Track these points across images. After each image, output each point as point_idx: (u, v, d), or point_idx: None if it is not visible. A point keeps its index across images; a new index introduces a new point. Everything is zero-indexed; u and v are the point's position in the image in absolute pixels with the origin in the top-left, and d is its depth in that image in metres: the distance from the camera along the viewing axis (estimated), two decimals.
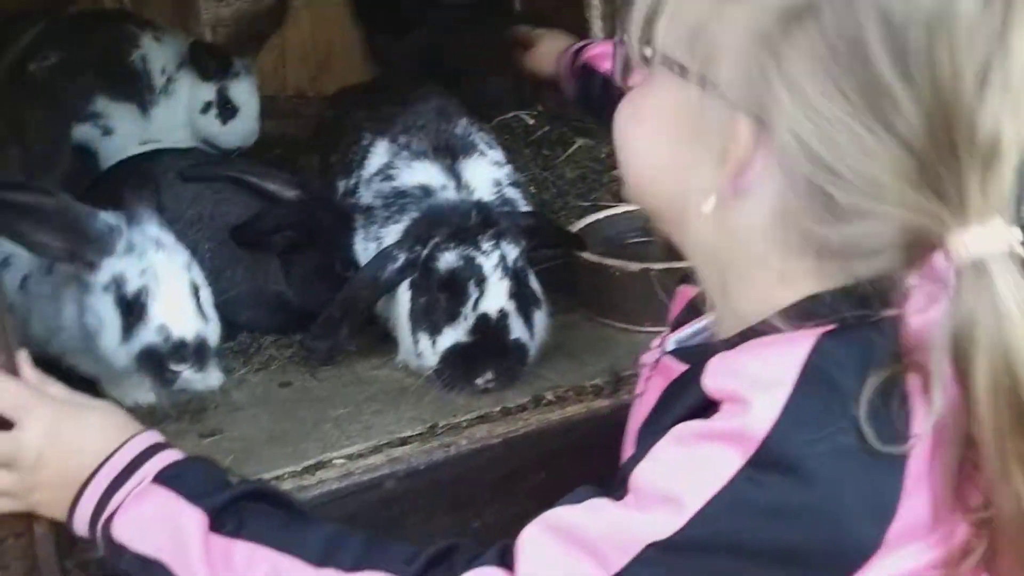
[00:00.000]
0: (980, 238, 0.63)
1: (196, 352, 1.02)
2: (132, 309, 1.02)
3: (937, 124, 0.63)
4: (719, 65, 0.67)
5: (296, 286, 1.28)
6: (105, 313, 1.03)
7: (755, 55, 0.66)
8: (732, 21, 0.66)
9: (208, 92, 1.72)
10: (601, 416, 1.14)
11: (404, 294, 1.16)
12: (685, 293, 0.91)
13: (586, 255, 1.31)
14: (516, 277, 1.14)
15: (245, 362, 1.23)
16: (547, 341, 1.20)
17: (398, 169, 1.23)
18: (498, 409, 1.12)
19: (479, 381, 1.11)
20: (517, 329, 1.12)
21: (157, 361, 1.02)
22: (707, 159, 0.68)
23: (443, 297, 1.11)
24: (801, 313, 0.68)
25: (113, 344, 1.03)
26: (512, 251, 1.14)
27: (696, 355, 0.77)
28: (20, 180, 1.15)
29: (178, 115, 1.74)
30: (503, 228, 1.15)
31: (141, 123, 1.69)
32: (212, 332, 1.07)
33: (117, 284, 1.03)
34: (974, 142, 0.63)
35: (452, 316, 1.11)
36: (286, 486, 1.01)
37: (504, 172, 1.29)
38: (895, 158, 0.64)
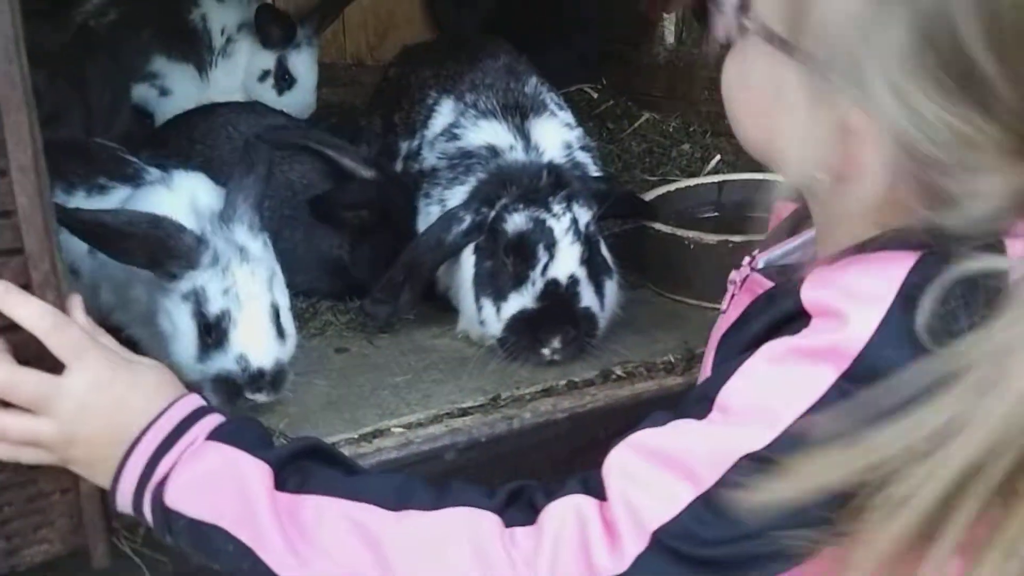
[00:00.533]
0: None
1: (273, 380, 0.97)
2: (211, 332, 0.96)
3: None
4: (828, 45, 0.66)
5: (361, 263, 1.23)
6: (181, 323, 0.97)
7: (858, 42, 0.65)
8: (838, 8, 0.66)
9: (267, 60, 1.68)
10: (673, 394, 1.08)
11: (468, 258, 1.10)
12: (780, 211, 0.91)
13: (659, 225, 1.24)
14: (588, 242, 1.07)
15: (301, 327, 1.17)
16: (617, 314, 1.14)
17: (464, 128, 1.18)
18: (564, 383, 1.06)
19: (545, 351, 1.05)
20: (587, 297, 1.06)
21: (233, 388, 0.97)
22: (818, 133, 0.68)
23: (510, 261, 1.06)
24: (905, 236, 0.68)
25: (187, 358, 0.97)
26: (584, 215, 1.08)
27: (785, 273, 0.78)
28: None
29: (236, 78, 1.70)
30: (575, 190, 1.09)
31: (199, 85, 1.66)
32: (290, 350, 1.01)
33: (198, 299, 0.96)
34: None
35: (519, 281, 1.05)
36: (346, 452, 0.97)
37: (575, 135, 1.23)
38: (998, 141, 0.64)
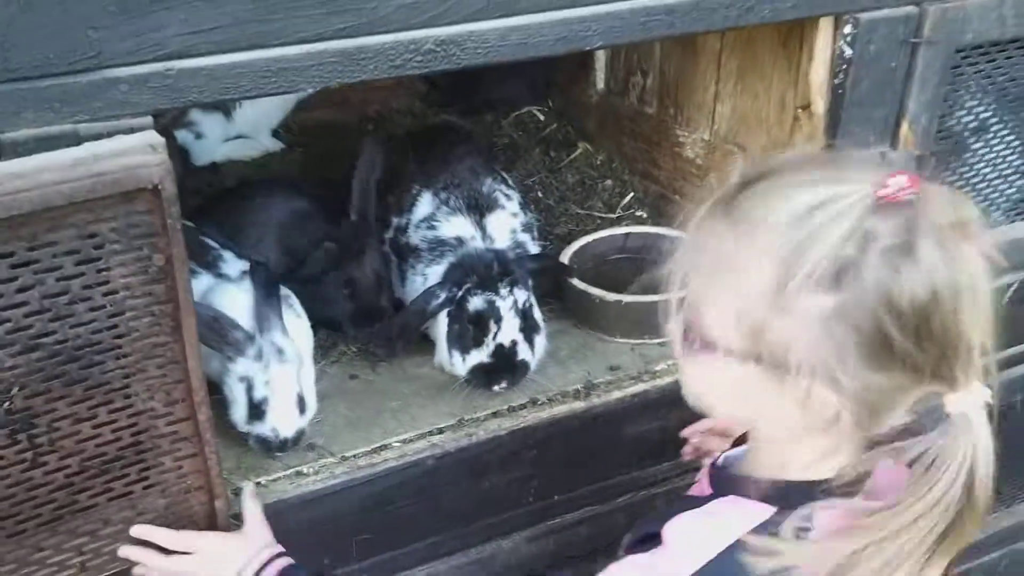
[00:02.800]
0: (965, 398, 0.91)
1: (294, 441, 1.44)
2: (255, 409, 1.41)
3: (939, 354, 0.90)
4: (785, 353, 0.90)
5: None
6: (238, 396, 1.42)
7: (811, 348, 0.89)
8: (784, 326, 0.89)
9: None
10: (577, 413, 1.60)
11: (443, 319, 1.59)
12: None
13: (575, 282, 1.74)
14: (524, 315, 1.57)
15: (323, 355, 1.68)
16: (543, 355, 1.65)
17: (439, 221, 1.65)
18: (506, 408, 1.57)
19: (495, 388, 1.57)
20: (523, 352, 1.57)
21: (266, 446, 1.44)
22: (794, 409, 0.93)
23: (472, 328, 1.55)
24: (773, 491, 0.96)
25: (239, 419, 1.43)
26: (522, 294, 1.57)
27: (721, 481, 1.06)
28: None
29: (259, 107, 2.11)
30: (517, 276, 1.57)
31: (226, 125, 2.08)
32: (308, 417, 1.46)
33: (248, 384, 1.41)
34: (959, 353, 0.90)
35: (478, 343, 1.55)
36: (360, 462, 1.49)
37: (519, 221, 1.71)
38: (912, 379, 0.91)
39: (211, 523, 1.32)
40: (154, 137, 1.06)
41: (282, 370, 1.43)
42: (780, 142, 1.68)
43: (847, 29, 1.44)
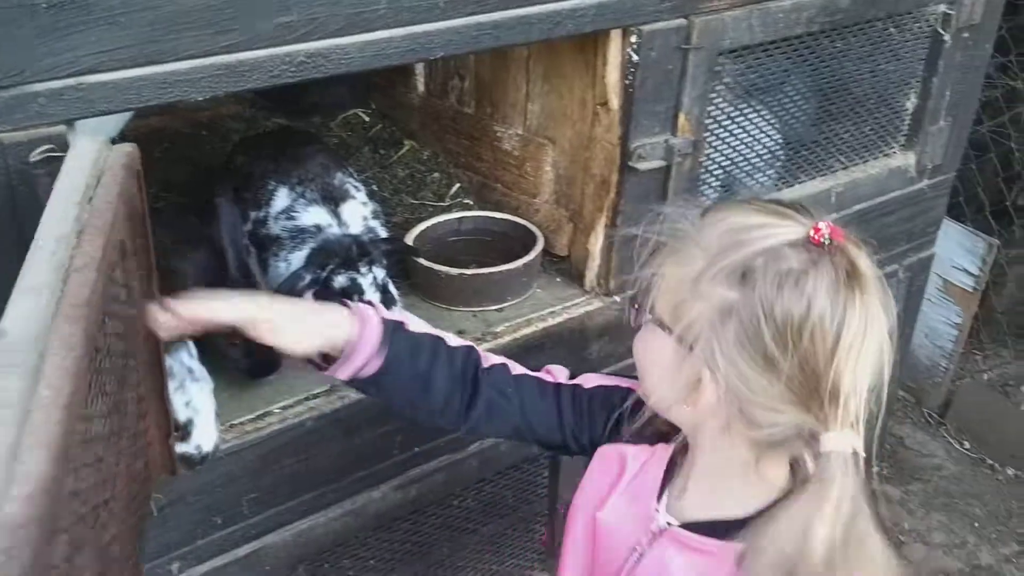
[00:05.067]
0: (834, 440, 1.04)
1: (213, 453, 1.54)
2: (181, 432, 1.48)
3: (804, 378, 1.03)
4: (692, 333, 1.08)
5: None
6: None
7: (708, 331, 1.06)
8: (696, 309, 1.07)
9: None
10: None
11: (309, 299, 1.79)
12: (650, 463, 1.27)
13: (421, 260, 1.98)
14: (383, 289, 1.80)
15: None
16: None
17: (298, 212, 1.85)
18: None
19: None
20: None
21: (189, 463, 1.49)
22: (683, 385, 1.10)
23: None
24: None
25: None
26: (380, 272, 1.80)
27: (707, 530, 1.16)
28: None
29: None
30: (373, 256, 1.80)
31: None
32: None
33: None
34: (827, 389, 1.03)
35: None
36: (247, 428, 1.66)
37: (368, 209, 1.93)
38: (783, 393, 1.05)
39: None
40: None
41: (199, 388, 1.53)
42: (583, 134, 2.00)
43: (633, 39, 1.78)
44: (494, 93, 2.23)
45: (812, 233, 1.06)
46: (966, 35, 2.34)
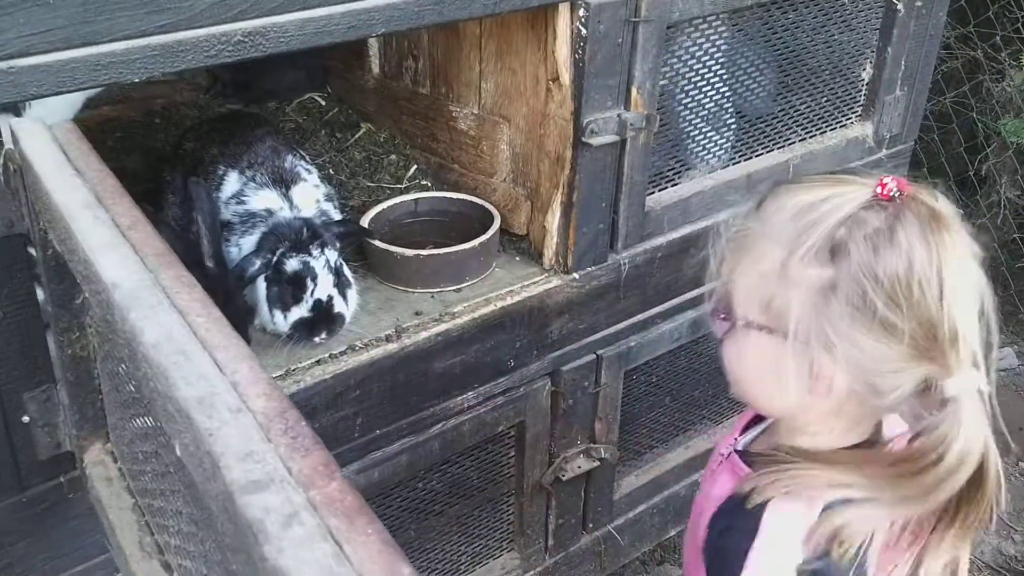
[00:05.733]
0: (960, 382, 1.03)
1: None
2: None
3: (923, 331, 1.04)
4: (796, 324, 1.06)
5: None
6: None
7: (814, 316, 1.05)
8: (793, 298, 1.06)
9: None
10: (391, 354, 1.83)
11: (261, 284, 1.78)
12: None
13: (376, 242, 1.97)
14: (336, 272, 1.79)
15: None
16: (356, 308, 1.87)
17: (248, 196, 1.82)
18: (328, 355, 1.78)
19: (316, 339, 1.77)
20: (339, 305, 1.78)
21: None
22: (803, 379, 1.08)
23: (291, 288, 1.75)
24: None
25: None
26: (333, 254, 1.79)
27: (755, 460, 1.19)
28: None
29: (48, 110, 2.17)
30: (325, 239, 1.79)
31: None
32: None
33: None
34: (945, 335, 1.04)
35: (297, 300, 1.74)
36: None
37: (321, 192, 1.91)
38: (905, 353, 1.05)
39: None
40: None
41: None
42: (537, 110, 1.99)
43: (581, 12, 1.77)
44: (448, 72, 2.22)
45: (880, 190, 1.06)
46: (919, 3, 2.35)
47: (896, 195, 1.06)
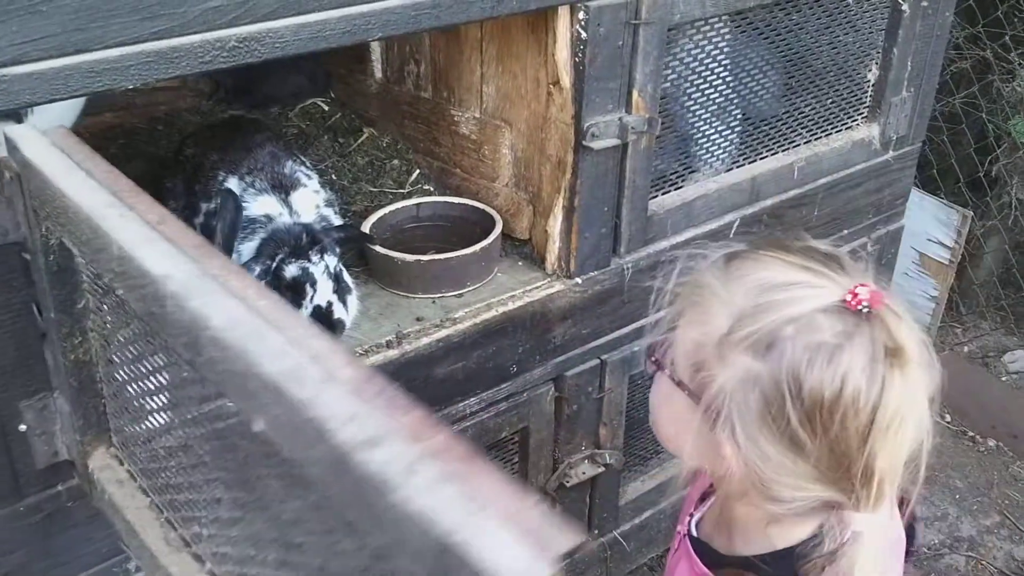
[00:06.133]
0: (867, 519, 1.01)
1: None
2: None
3: (835, 461, 0.97)
4: (713, 401, 1.00)
5: None
6: None
7: (730, 403, 0.98)
8: (719, 376, 0.99)
9: None
10: (392, 360, 1.83)
11: None
12: (704, 478, 1.24)
13: (377, 248, 1.96)
14: (336, 278, 1.78)
15: None
16: (356, 314, 1.86)
17: (247, 202, 1.82)
18: None
19: None
20: (339, 311, 1.77)
21: None
22: (704, 449, 1.04)
23: (290, 295, 1.74)
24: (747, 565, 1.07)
25: None
26: (332, 260, 1.78)
27: (707, 555, 1.15)
28: None
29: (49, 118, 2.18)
30: (325, 244, 1.78)
31: None
32: None
33: None
34: (859, 472, 0.96)
35: (296, 306, 1.74)
36: None
37: (321, 197, 1.91)
38: (809, 473, 0.98)
39: None
40: None
41: None
42: (538, 114, 1.98)
43: (581, 15, 1.75)
44: (450, 77, 2.21)
45: (849, 298, 0.96)
46: (925, 3, 2.33)
47: (864, 310, 0.96)
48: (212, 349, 0.85)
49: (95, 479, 1.47)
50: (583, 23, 1.76)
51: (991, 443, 3.34)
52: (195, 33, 1.34)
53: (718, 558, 1.13)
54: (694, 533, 1.19)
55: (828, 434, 0.95)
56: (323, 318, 1.75)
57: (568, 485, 2.24)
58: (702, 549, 1.17)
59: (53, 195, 1.16)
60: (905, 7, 2.29)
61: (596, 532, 2.43)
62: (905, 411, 0.96)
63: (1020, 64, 3.56)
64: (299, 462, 0.75)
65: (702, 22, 1.97)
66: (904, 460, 0.99)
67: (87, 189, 1.12)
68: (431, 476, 0.63)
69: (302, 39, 1.43)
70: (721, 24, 2.02)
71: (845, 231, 2.55)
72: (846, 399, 0.94)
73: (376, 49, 2.39)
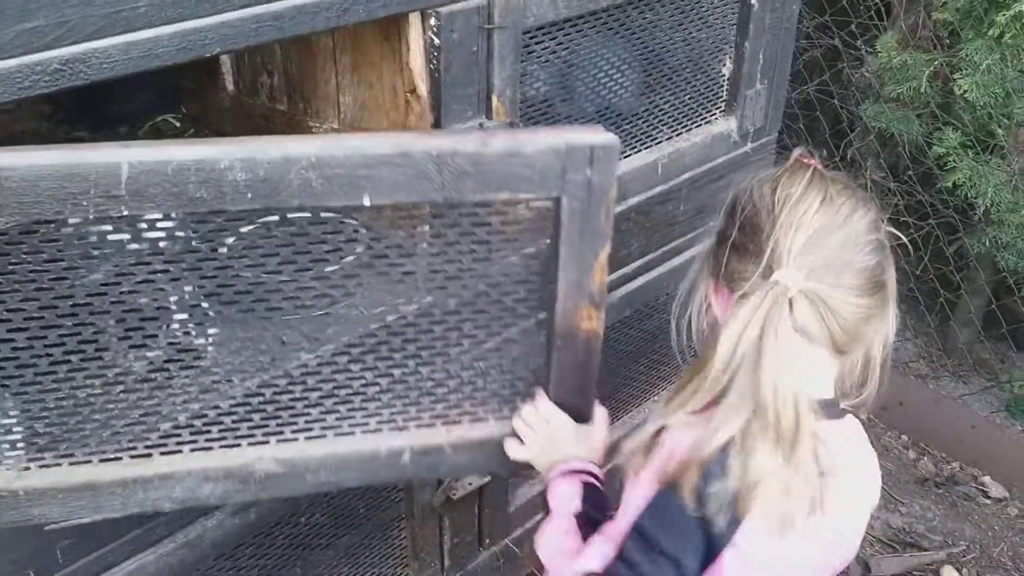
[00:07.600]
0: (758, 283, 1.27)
1: None
2: None
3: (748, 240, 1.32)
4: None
5: None
6: None
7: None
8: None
9: None
10: None
11: None
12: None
13: None
14: None
15: None
16: None
17: None
18: None
19: None
20: None
21: None
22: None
23: None
24: None
25: None
26: None
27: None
28: None
29: None
30: None
31: None
32: None
33: None
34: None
35: None
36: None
37: None
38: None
39: None
40: None
41: None
42: (398, 123, 1.93)
43: (432, 22, 1.71)
44: (305, 88, 2.14)
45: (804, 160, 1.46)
46: None
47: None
48: None
49: None
50: (435, 29, 1.72)
51: (861, 416, 3.48)
52: (11, 57, 1.24)
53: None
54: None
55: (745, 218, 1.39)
56: None
57: (455, 498, 2.20)
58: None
59: None
60: (754, 1, 2.34)
61: (488, 542, 2.41)
62: (815, 206, 1.34)
63: (867, 51, 3.71)
64: None
65: (557, 24, 1.96)
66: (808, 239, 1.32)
67: None
68: None
69: (132, 58, 1.35)
70: (576, 26, 2.01)
71: (711, 223, 2.58)
72: (762, 198, 1.39)
73: (226, 61, 2.29)
